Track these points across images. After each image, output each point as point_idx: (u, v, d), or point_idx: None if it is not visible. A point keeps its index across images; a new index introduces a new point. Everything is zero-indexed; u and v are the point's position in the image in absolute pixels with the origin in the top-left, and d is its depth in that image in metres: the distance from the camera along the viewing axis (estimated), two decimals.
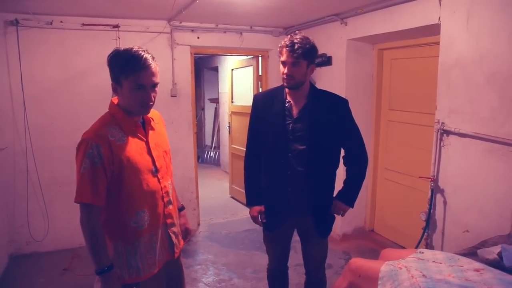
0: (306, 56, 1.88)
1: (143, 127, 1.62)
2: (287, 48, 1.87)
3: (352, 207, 2.14)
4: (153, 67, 1.48)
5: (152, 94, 1.51)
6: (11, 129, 3.44)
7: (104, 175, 1.45)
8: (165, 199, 1.65)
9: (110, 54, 1.50)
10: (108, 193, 1.49)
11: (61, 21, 3.47)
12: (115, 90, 1.52)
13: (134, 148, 1.54)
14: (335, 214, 2.15)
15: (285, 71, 1.90)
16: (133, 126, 1.57)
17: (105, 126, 1.50)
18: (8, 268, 3.32)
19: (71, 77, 3.60)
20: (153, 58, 1.51)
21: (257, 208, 2.14)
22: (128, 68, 1.44)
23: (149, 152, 1.61)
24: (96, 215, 1.46)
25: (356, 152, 2.10)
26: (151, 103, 1.53)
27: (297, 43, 1.85)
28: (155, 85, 1.51)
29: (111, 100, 1.61)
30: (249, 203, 2.21)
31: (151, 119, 1.66)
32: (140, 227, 1.55)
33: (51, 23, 3.43)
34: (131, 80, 1.45)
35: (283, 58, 1.91)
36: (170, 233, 1.69)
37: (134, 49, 1.47)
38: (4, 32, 3.31)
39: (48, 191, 3.58)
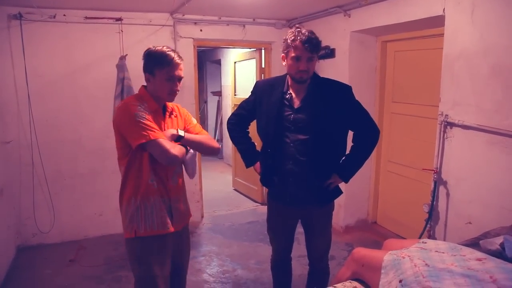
0: (319, 50, 1.92)
1: (163, 113, 1.85)
2: (305, 44, 1.85)
3: (347, 182, 2.10)
4: (182, 64, 1.78)
5: (179, 85, 1.79)
6: (16, 122, 3.46)
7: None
8: (171, 175, 1.85)
9: (146, 52, 1.79)
10: (137, 151, 1.71)
11: (64, 15, 3.47)
12: (147, 80, 1.78)
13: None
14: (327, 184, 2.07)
15: (302, 67, 1.89)
16: (155, 107, 1.79)
17: (136, 101, 1.73)
18: (16, 259, 3.37)
19: (74, 70, 3.61)
20: (180, 57, 1.78)
21: (259, 164, 2.23)
22: (163, 61, 1.72)
23: None
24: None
25: (365, 130, 2.08)
26: (178, 92, 1.80)
27: (313, 38, 1.86)
28: (180, 78, 1.79)
29: (142, 85, 1.85)
30: (249, 164, 2.26)
31: (172, 108, 1.90)
32: (155, 186, 1.77)
33: (54, 17, 3.43)
34: (164, 72, 1.72)
35: (297, 53, 1.87)
36: (173, 207, 1.85)
37: (166, 48, 1.76)
38: (7, 26, 3.32)
39: (53, 184, 3.62)
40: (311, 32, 1.89)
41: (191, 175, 1.96)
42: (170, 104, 1.89)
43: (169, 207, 1.83)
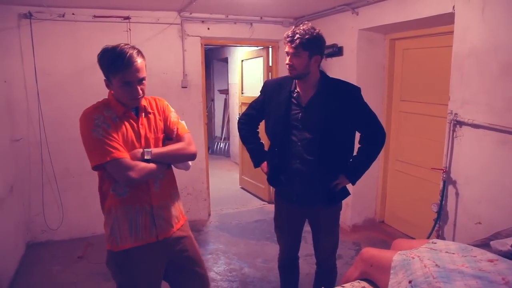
0: (306, 47, 1.87)
1: (137, 114, 1.66)
2: (287, 39, 1.90)
3: (353, 184, 2.10)
4: (137, 63, 1.52)
5: (140, 88, 1.57)
6: (26, 120, 3.50)
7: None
8: (153, 181, 1.69)
9: (99, 53, 1.55)
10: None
11: (73, 13, 3.49)
12: (107, 86, 1.61)
13: (121, 132, 1.60)
14: (332, 185, 2.05)
15: (287, 61, 1.95)
16: (123, 110, 1.61)
17: (95, 112, 1.58)
18: (25, 255, 3.41)
19: (82, 69, 3.63)
20: (139, 53, 1.55)
21: (266, 164, 2.22)
22: (114, 67, 1.50)
23: (138, 136, 1.64)
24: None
25: (372, 133, 2.07)
26: (140, 97, 1.59)
27: (297, 33, 1.86)
28: (141, 79, 1.56)
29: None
30: (257, 164, 2.26)
31: (146, 106, 1.69)
32: (119, 196, 1.67)
33: (63, 16, 3.45)
34: (119, 78, 1.52)
35: (286, 49, 1.95)
36: (155, 215, 1.69)
37: (119, 48, 1.51)
38: (18, 25, 3.35)
39: (62, 181, 3.65)
40: (305, 29, 1.87)
41: (186, 169, 1.80)
42: (144, 102, 1.67)
43: (151, 215, 1.68)
